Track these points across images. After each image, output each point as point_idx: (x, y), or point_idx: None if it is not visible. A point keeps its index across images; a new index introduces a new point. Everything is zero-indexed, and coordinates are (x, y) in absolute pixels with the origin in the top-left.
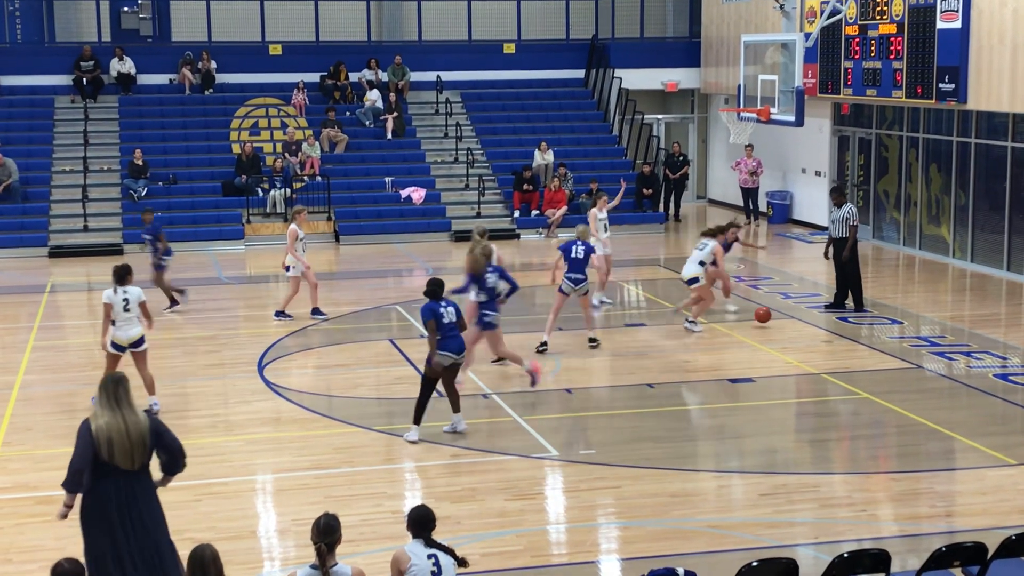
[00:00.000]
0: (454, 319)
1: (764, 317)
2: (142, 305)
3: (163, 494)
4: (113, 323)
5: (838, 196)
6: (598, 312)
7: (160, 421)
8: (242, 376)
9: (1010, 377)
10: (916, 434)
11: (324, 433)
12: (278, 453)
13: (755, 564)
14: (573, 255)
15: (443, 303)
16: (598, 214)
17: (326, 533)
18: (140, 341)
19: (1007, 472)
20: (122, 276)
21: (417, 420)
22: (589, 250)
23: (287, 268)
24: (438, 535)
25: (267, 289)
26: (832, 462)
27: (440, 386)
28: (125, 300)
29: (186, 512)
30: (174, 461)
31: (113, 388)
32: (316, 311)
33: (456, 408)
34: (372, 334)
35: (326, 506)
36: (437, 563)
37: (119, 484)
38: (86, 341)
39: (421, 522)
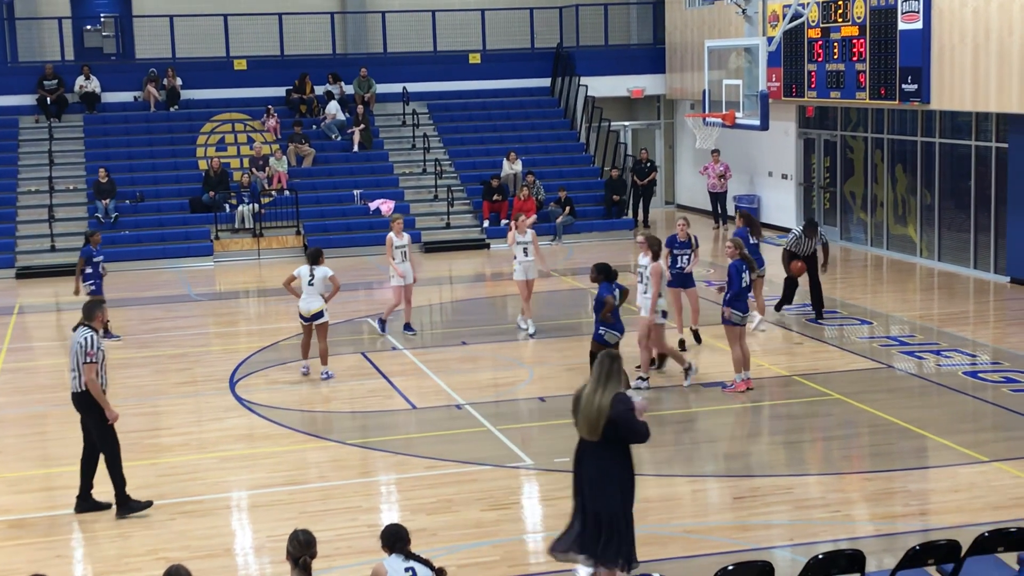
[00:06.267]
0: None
1: (799, 271)
2: (332, 279)
3: (140, 516)
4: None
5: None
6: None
7: (624, 410)
8: (214, 393)
9: (979, 374)
10: (888, 433)
11: (297, 448)
12: (252, 470)
13: (731, 568)
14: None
15: (615, 286)
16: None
17: (307, 545)
18: (319, 315)
19: (979, 469)
20: (314, 258)
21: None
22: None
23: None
24: (413, 548)
25: (237, 305)
26: (805, 464)
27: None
28: (312, 276)
29: (160, 531)
30: (629, 439)
31: (608, 363)
32: (407, 326)
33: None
34: (343, 347)
35: (301, 522)
36: (415, 575)
37: (582, 448)
38: (56, 362)
39: (394, 537)
